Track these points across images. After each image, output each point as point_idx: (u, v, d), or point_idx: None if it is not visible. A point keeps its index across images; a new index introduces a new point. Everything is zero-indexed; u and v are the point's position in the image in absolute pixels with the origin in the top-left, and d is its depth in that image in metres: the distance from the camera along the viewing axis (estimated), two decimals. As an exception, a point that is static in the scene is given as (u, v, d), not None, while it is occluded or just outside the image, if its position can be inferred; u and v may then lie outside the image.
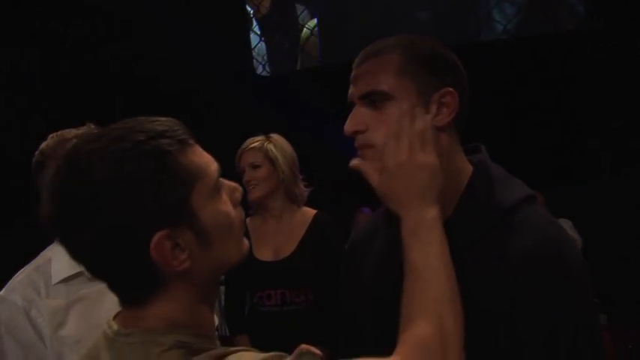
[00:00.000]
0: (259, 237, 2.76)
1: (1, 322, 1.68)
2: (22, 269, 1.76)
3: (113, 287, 0.99)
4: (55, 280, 1.70)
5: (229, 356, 0.91)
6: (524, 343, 1.18)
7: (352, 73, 1.29)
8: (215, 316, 1.92)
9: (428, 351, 0.98)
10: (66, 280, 1.70)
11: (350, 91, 1.28)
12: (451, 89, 1.25)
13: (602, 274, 4.59)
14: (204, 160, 0.99)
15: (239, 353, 0.93)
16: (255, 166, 2.69)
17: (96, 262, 0.97)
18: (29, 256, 1.80)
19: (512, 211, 1.24)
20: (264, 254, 2.73)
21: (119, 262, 0.94)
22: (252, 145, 2.71)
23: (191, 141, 0.98)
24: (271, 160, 2.69)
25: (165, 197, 0.92)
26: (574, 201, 5.14)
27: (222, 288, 3.74)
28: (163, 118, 0.98)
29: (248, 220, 2.80)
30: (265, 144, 2.71)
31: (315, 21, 6.70)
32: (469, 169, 1.31)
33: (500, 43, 6.02)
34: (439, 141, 1.25)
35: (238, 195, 1.06)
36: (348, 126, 1.26)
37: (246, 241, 1.09)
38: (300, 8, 6.71)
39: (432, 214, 1.12)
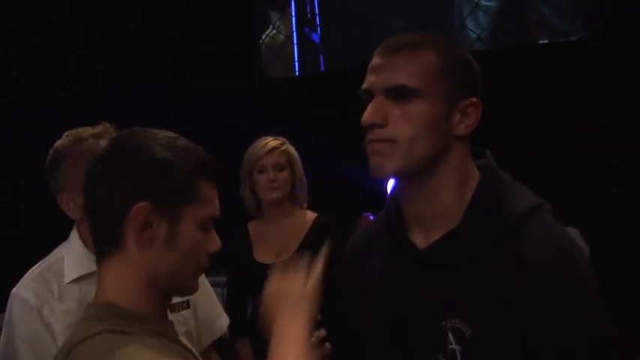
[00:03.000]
0: (260, 240, 2.78)
1: (13, 319, 1.68)
2: (35, 266, 1.76)
3: (94, 233, 1.20)
4: (67, 279, 1.70)
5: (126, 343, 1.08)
6: (537, 354, 1.15)
7: (376, 61, 1.23)
8: (223, 318, 1.88)
9: None
10: (78, 280, 1.70)
11: (371, 80, 1.22)
12: (476, 100, 1.22)
13: (607, 282, 4.63)
14: (215, 201, 1.22)
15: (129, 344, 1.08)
16: (280, 168, 2.71)
17: (95, 202, 1.18)
18: (38, 252, 1.81)
19: (523, 220, 1.21)
20: (265, 257, 2.74)
21: (107, 210, 1.16)
22: (274, 146, 2.72)
23: (215, 182, 1.22)
24: (290, 163, 2.72)
25: (170, 190, 1.15)
26: (580, 210, 5.16)
27: (222, 290, 3.73)
28: (210, 156, 1.23)
29: (249, 224, 2.83)
30: (285, 146, 2.73)
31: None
32: (476, 175, 1.27)
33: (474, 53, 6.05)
34: (455, 149, 1.23)
35: (214, 248, 1.23)
36: (369, 117, 1.21)
37: (195, 285, 1.24)
38: (275, 15, 6.68)
39: (292, 330, 1.18)
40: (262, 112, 6.07)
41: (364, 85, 1.24)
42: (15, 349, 1.67)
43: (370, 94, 1.23)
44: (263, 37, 6.58)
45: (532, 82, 5.63)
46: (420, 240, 1.28)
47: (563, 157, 5.60)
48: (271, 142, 2.75)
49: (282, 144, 2.75)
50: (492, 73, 5.22)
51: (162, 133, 1.22)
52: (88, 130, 1.73)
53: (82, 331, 1.12)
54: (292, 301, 1.22)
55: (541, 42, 6.01)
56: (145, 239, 1.15)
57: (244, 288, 2.79)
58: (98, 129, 1.73)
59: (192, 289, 1.25)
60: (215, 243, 1.24)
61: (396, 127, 1.19)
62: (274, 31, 6.59)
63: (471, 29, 6.10)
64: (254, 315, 2.75)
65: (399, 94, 1.19)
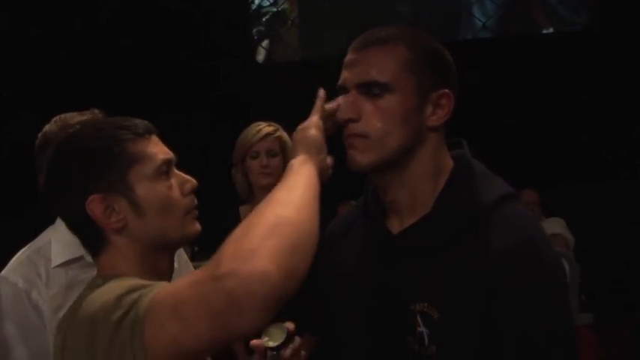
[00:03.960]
0: None
1: (2, 302, 1.69)
2: (23, 250, 1.78)
3: (79, 239, 1.26)
4: (54, 263, 1.72)
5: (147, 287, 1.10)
6: (500, 340, 1.17)
7: (349, 57, 1.26)
8: None
9: (229, 242, 1.02)
10: (65, 264, 1.71)
11: (345, 76, 1.26)
12: (448, 91, 1.25)
13: (591, 273, 4.65)
14: (153, 150, 1.23)
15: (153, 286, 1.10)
16: (273, 154, 2.72)
17: (64, 217, 1.26)
18: (27, 235, 1.83)
19: (492, 209, 1.23)
20: None
21: (72, 216, 1.23)
22: (268, 132, 2.73)
23: (148, 135, 1.24)
24: (283, 150, 2.72)
25: (104, 170, 1.19)
26: (567, 200, 5.17)
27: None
28: (137, 119, 1.26)
29: (241, 208, 2.84)
30: (279, 132, 2.74)
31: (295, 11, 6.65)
32: (450, 164, 1.30)
33: (479, 41, 6.04)
34: (429, 140, 1.26)
35: (188, 186, 1.26)
36: (342, 113, 1.24)
37: (194, 226, 1.26)
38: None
39: (294, 161, 1.21)
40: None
41: (339, 81, 1.27)
42: (4, 330, 1.69)
43: (345, 90, 1.26)
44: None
45: (532, 71, 5.62)
46: (395, 226, 1.31)
47: (555, 146, 5.59)
48: (265, 127, 2.75)
49: (276, 130, 2.76)
50: (496, 60, 5.23)
51: (80, 120, 1.32)
52: (75, 117, 1.74)
53: (89, 292, 1.16)
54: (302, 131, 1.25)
55: (545, 31, 5.98)
56: (116, 224, 1.20)
57: None
58: (86, 115, 1.74)
59: (192, 232, 1.26)
60: (187, 182, 1.26)
61: (369, 122, 1.23)
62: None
63: (477, 17, 6.07)
64: None
65: (371, 89, 1.23)
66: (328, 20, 6.27)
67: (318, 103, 1.28)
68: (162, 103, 5.53)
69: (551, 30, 5.99)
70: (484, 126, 5.22)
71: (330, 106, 1.26)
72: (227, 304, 0.96)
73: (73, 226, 1.25)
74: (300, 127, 1.26)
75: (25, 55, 5.53)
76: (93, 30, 5.80)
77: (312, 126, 1.24)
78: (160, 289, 1.06)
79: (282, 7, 6.61)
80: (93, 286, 1.19)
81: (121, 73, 5.68)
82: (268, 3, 6.61)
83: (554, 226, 5.02)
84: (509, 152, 5.41)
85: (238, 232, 1.03)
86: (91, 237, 1.23)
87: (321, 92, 1.29)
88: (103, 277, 1.19)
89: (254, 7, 6.62)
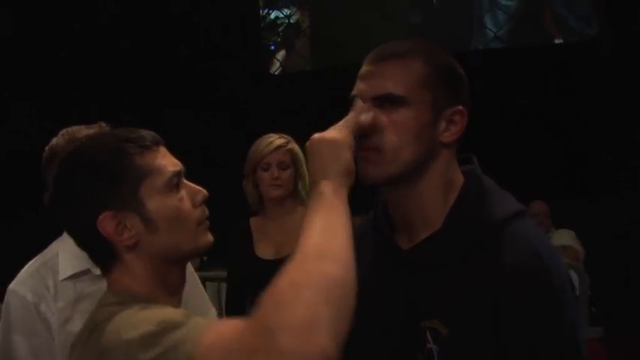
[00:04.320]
0: (261, 235, 2.81)
1: (10, 315, 1.71)
2: (31, 262, 1.78)
3: (90, 256, 1.24)
4: (62, 276, 1.72)
5: (151, 307, 1.11)
6: (509, 355, 1.17)
7: (365, 69, 1.26)
8: (213, 309, 1.91)
9: (278, 302, 0.98)
10: (73, 277, 1.72)
11: (360, 87, 1.25)
12: (462, 108, 1.25)
13: (601, 285, 4.62)
14: (162, 162, 1.20)
15: (159, 307, 1.12)
16: (284, 167, 2.73)
17: (73, 234, 1.23)
18: (37, 246, 1.83)
19: (502, 226, 1.23)
20: (266, 252, 2.78)
21: (83, 234, 1.21)
22: (280, 144, 2.75)
23: (155, 147, 1.21)
24: (294, 162, 2.74)
25: (114, 187, 1.17)
26: (578, 212, 5.15)
27: (218, 285, 3.76)
28: (142, 130, 1.23)
29: (251, 220, 2.86)
30: (290, 144, 2.76)
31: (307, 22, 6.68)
32: (460, 180, 1.30)
33: (490, 51, 6.04)
34: (441, 156, 1.26)
35: (199, 197, 1.23)
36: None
37: (207, 237, 1.24)
38: (291, 9, 6.68)
39: (324, 185, 1.12)
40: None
41: (353, 92, 1.26)
42: (12, 342, 1.69)
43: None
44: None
45: (543, 81, 5.60)
46: (405, 242, 1.31)
47: (566, 157, 5.56)
48: (277, 140, 2.76)
49: (288, 142, 2.77)
50: (507, 70, 5.22)
51: (87, 134, 1.28)
52: (82, 130, 1.74)
53: (104, 313, 1.13)
54: (325, 152, 1.15)
55: (557, 41, 5.98)
56: (128, 240, 1.17)
57: (244, 282, 2.81)
58: (93, 128, 1.74)
59: (204, 243, 1.24)
60: (198, 192, 1.23)
61: (382, 136, 1.22)
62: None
63: (489, 28, 6.07)
64: (254, 310, 2.77)
65: (386, 102, 1.22)
66: (339, 31, 6.28)
67: (353, 116, 1.21)
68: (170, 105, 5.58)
69: (562, 40, 5.97)
70: (495, 136, 5.20)
71: (364, 119, 1.20)
72: None
73: (82, 243, 1.23)
74: (329, 138, 1.16)
75: (26, 57, 5.58)
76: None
77: (346, 146, 1.15)
78: (205, 334, 1.00)
79: (295, 17, 6.64)
80: (105, 304, 1.16)
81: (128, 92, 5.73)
82: (281, 15, 6.64)
83: (564, 237, 5.00)
84: (520, 162, 5.39)
85: (285, 288, 0.98)
86: (102, 254, 1.20)
87: (359, 104, 1.23)
88: (115, 294, 1.17)
89: (268, 18, 6.65)
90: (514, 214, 1.25)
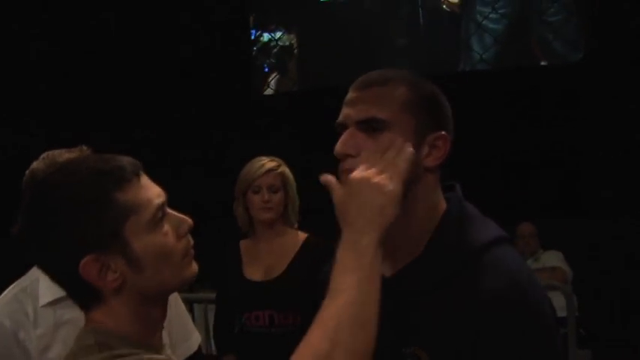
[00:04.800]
0: (251, 258, 2.84)
1: None
2: (9, 288, 1.75)
3: (68, 295, 1.17)
4: (42, 302, 1.69)
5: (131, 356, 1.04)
6: None
7: (350, 95, 1.29)
8: (197, 333, 1.88)
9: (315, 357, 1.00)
10: (53, 303, 1.69)
11: (345, 113, 1.28)
12: (444, 133, 1.27)
13: (589, 308, 4.62)
14: (145, 195, 1.12)
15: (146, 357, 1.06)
16: (275, 190, 2.76)
17: (50, 275, 1.15)
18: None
19: (482, 252, 1.24)
20: (254, 274, 2.80)
21: (62, 277, 1.13)
22: (270, 167, 2.78)
23: (135, 178, 1.12)
24: (285, 185, 2.78)
25: (95, 227, 1.08)
26: (566, 233, 5.17)
27: (205, 307, 3.75)
28: (118, 157, 1.14)
29: (241, 242, 2.89)
30: (281, 168, 2.79)
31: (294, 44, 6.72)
32: (443, 206, 1.31)
33: (477, 74, 6.10)
34: (424, 181, 1.27)
35: (185, 227, 1.17)
36: (340, 148, 1.25)
37: (192, 268, 1.18)
38: (280, 31, 6.73)
39: (368, 240, 1.09)
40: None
41: (339, 118, 1.29)
42: None
43: (344, 127, 1.28)
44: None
45: (526, 103, 5.66)
46: (387, 269, 1.30)
47: (552, 180, 5.60)
48: (267, 163, 2.79)
49: (279, 166, 2.80)
50: (493, 92, 5.26)
51: (68, 157, 1.23)
52: (63, 154, 1.72)
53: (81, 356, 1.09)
54: (376, 201, 1.10)
55: (543, 63, 6.04)
56: (112, 283, 1.11)
57: (233, 304, 2.82)
58: (75, 152, 1.72)
59: (190, 275, 1.18)
60: (182, 223, 1.16)
61: None
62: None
63: (475, 50, 6.13)
64: (241, 331, 2.79)
65: (370, 125, 1.24)
66: (327, 53, 6.33)
67: (404, 164, 1.18)
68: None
69: (547, 63, 6.04)
70: (482, 157, 5.24)
71: (410, 154, 1.19)
72: None
73: (60, 284, 1.15)
74: (381, 187, 1.13)
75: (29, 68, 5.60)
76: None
77: (396, 200, 1.14)
78: None
79: (284, 40, 6.69)
80: (84, 345, 1.10)
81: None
82: (273, 37, 6.69)
83: (551, 258, 5.02)
84: (506, 183, 5.42)
85: (320, 349, 1.02)
86: (83, 295, 1.14)
87: (409, 150, 1.20)
88: (95, 333, 1.11)
89: (260, 41, 6.71)
90: (494, 240, 1.27)
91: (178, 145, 6.11)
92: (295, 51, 6.66)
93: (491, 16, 6.04)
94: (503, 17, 6.03)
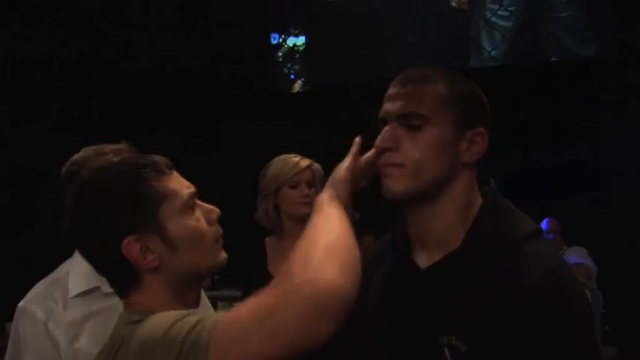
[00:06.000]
0: (276, 255, 2.84)
1: (19, 333, 1.71)
2: (41, 281, 1.79)
3: (109, 282, 1.29)
4: (72, 293, 1.73)
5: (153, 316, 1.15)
6: None
7: (391, 91, 1.34)
8: None
9: (286, 272, 1.11)
10: (83, 294, 1.73)
11: (386, 108, 1.33)
12: (483, 130, 1.31)
13: (615, 303, 4.59)
14: (177, 185, 1.26)
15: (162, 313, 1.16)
16: (310, 186, 2.78)
17: (95, 260, 1.27)
18: (37, 264, 1.84)
19: (519, 245, 1.27)
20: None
21: (105, 261, 1.25)
22: (308, 164, 2.80)
23: (168, 171, 1.27)
24: (316, 182, 2.79)
25: (135, 211, 1.22)
26: (590, 229, 5.16)
27: (230, 305, 3.76)
28: (155, 155, 1.30)
29: (267, 239, 2.89)
30: (314, 165, 2.82)
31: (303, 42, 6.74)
32: (479, 201, 1.35)
33: (487, 70, 6.09)
34: (462, 176, 1.31)
35: (213, 215, 1.30)
36: (381, 142, 1.30)
37: (223, 254, 1.31)
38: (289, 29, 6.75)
39: (326, 196, 1.30)
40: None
41: (380, 113, 1.34)
42: None
43: (385, 122, 1.32)
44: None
45: (540, 98, 5.65)
46: (423, 260, 1.35)
47: (573, 175, 5.59)
48: (302, 160, 2.82)
49: (312, 163, 2.83)
50: (503, 88, 5.22)
51: (103, 160, 1.36)
52: (108, 147, 1.74)
53: (128, 329, 1.17)
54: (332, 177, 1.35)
55: (554, 59, 6.04)
56: (152, 263, 1.22)
57: None
58: (118, 146, 1.73)
59: (221, 260, 1.31)
60: (212, 211, 1.30)
61: (406, 153, 1.28)
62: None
63: (484, 47, 6.14)
64: None
65: (411, 120, 1.29)
66: (336, 51, 6.33)
67: (353, 149, 1.37)
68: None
69: (558, 59, 6.03)
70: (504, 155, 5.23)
71: (366, 156, 1.35)
72: (311, 307, 1.03)
73: (104, 268, 1.27)
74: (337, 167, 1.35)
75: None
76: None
77: (343, 168, 1.34)
78: (222, 314, 1.11)
79: (294, 40, 6.71)
80: (128, 322, 1.20)
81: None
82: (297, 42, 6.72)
83: (576, 255, 5.00)
84: (523, 181, 5.40)
85: (298, 257, 1.11)
86: (124, 277, 1.25)
87: (357, 139, 1.38)
88: (137, 313, 1.20)
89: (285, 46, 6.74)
90: (531, 233, 1.29)
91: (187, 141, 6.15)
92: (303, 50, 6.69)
93: (500, 12, 6.05)
94: (513, 14, 6.04)
